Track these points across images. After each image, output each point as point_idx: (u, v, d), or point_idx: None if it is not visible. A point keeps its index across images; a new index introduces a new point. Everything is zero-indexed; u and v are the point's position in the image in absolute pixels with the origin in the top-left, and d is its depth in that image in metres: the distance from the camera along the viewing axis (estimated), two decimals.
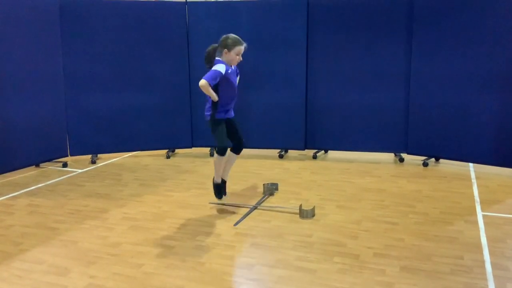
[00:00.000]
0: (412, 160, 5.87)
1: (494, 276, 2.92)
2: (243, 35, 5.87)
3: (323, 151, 6.42)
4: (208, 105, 3.98)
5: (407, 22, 5.54)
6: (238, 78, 4.18)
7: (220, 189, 4.20)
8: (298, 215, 3.98)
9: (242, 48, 3.90)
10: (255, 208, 4.20)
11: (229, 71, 3.89)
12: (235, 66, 4.04)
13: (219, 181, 4.18)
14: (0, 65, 5.01)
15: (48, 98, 5.61)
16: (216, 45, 3.94)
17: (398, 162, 5.87)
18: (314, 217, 3.94)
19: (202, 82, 3.69)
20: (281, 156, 6.18)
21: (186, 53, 6.12)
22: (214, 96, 3.82)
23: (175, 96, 6.20)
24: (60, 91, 5.75)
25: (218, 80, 3.78)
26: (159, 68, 6.10)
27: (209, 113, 3.97)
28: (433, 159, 5.82)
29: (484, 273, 2.95)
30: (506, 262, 3.10)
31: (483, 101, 5.18)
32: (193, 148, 6.44)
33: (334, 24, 5.80)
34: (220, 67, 3.79)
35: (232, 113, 4.09)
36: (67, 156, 5.96)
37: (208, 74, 3.74)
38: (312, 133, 6.11)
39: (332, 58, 5.87)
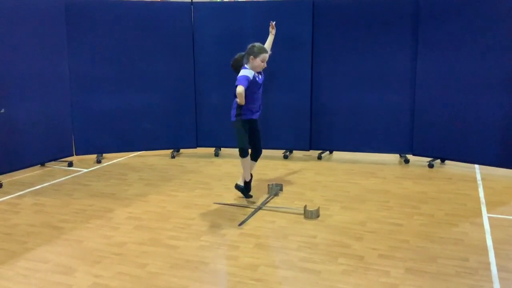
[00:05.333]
0: (417, 161, 5.84)
1: (500, 278, 2.90)
2: (248, 36, 5.91)
3: (328, 152, 6.41)
4: (234, 108, 4.24)
5: (412, 23, 5.52)
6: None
7: (249, 186, 4.42)
8: (302, 216, 3.98)
9: (266, 55, 4.20)
10: (259, 208, 4.20)
11: (256, 78, 4.17)
12: (261, 73, 4.31)
13: (248, 178, 4.39)
14: (6, 66, 5.04)
15: (54, 98, 5.63)
16: (243, 53, 4.25)
17: (403, 163, 5.85)
18: (319, 218, 3.94)
19: (240, 89, 3.91)
20: (285, 157, 6.18)
21: (191, 53, 6.13)
22: (243, 100, 3.98)
23: (180, 96, 6.20)
24: (65, 91, 5.77)
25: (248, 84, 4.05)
26: (164, 68, 6.10)
27: (234, 115, 4.25)
28: (438, 161, 5.80)
29: (489, 275, 2.94)
30: None
31: (489, 102, 5.15)
32: (198, 148, 6.44)
33: (340, 25, 5.78)
34: (247, 72, 4.08)
35: (257, 115, 4.34)
36: (73, 155, 5.98)
37: (240, 80, 3.99)
38: (317, 134, 6.10)
39: (337, 59, 5.86)
